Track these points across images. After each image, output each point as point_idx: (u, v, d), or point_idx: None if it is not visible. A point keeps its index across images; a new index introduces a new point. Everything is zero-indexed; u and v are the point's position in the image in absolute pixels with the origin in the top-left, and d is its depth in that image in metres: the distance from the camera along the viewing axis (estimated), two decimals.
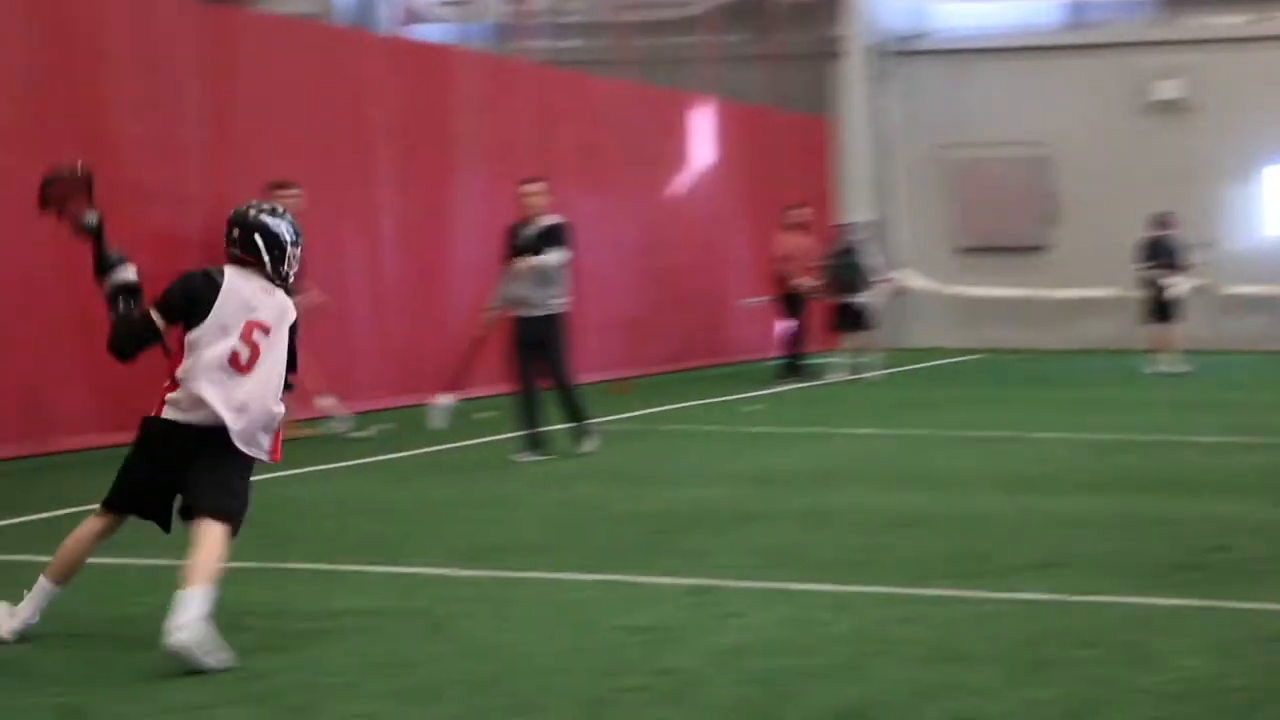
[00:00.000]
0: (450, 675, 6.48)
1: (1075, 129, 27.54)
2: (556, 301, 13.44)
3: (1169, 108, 27.18)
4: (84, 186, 7.20)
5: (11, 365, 13.17)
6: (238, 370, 6.95)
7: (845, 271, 21.74)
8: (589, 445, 13.76)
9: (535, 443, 13.41)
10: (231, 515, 6.95)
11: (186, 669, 6.42)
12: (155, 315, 7.02)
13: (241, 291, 7.04)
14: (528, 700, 6.15)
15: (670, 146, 23.49)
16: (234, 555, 8.87)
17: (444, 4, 28.28)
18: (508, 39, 25.87)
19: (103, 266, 7.11)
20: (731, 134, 24.98)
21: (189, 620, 6.47)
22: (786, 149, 26.56)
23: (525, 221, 13.48)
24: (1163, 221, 23.01)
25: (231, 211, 7.24)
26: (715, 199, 24.46)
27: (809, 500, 11.25)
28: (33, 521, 10.54)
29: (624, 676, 6.48)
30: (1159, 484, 11.89)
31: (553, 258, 13.33)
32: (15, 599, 7.09)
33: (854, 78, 28.29)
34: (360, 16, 26.60)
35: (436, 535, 9.79)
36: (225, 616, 6.76)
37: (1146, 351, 22.91)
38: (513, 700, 6.14)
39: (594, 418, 14.07)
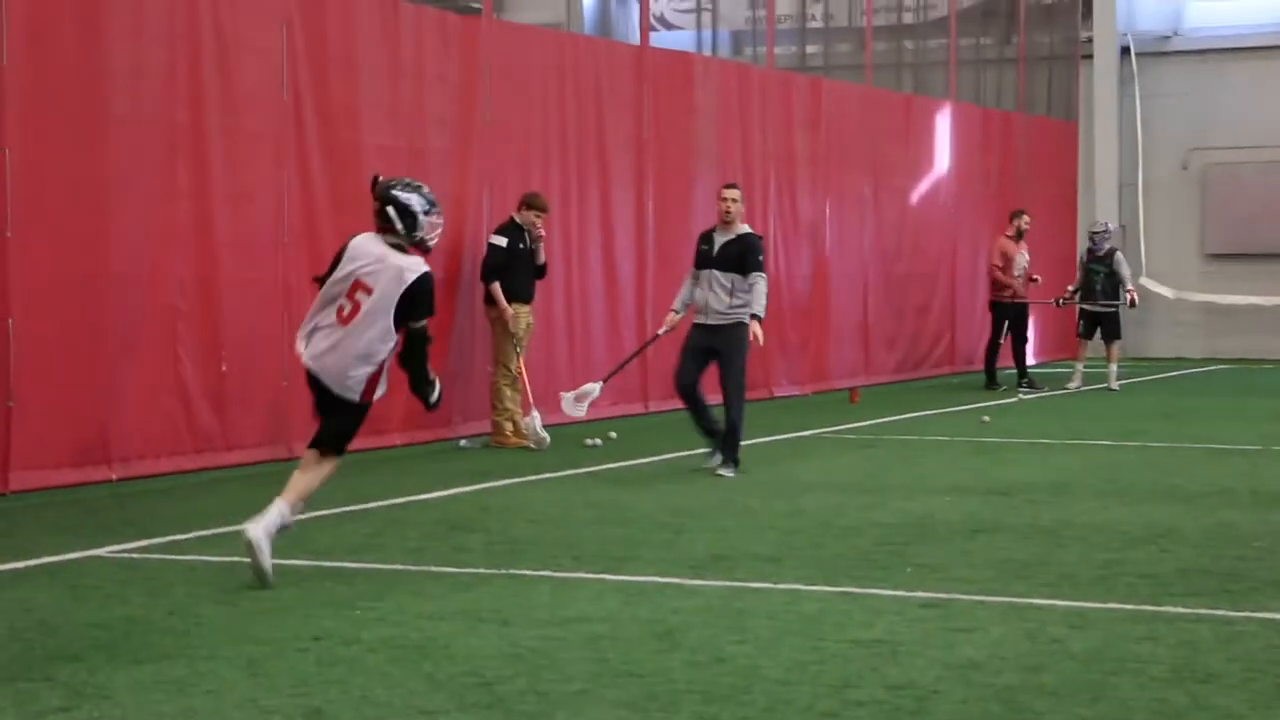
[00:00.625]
0: (681, 685, 6.47)
1: None
2: (742, 310, 13.07)
3: None
4: None
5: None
6: (339, 323, 8.26)
7: (1097, 279, 21.32)
8: (728, 471, 12.93)
9: (724, 448, 13.17)
10: (335, 449, 8.53)
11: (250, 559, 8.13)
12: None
13: (360, 251, 8.30)
14: (759, 713, 6.11)
15: (911, 151, 23.30)
16: (465, 561, 9.05)
17: (684, 11, 28.39)
18: (749, 45, 25.90)
19: None
20: (975, 138, 24.72)
21: (264, 521, 8.11)
22: (1033, 154, 26.20)
23: (720, 228, 13.21)
24: None
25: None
26: (957, 205, 24.20)
27: (1044, 513, 11.05)
28: None
29: (856, 690, 6.42)
30: None
31: (761, 284, 13.11)
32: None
33: (1103, 80, 27.80)
34: (601, 25, 26.83)
35: (666, 544, 9.79)
36: (460, 620, 6.80)
37: None
38: (744, 712, 6.11)
39: (743, 441, 13.32)
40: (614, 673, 6.67)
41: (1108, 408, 19.29)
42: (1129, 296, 21.27)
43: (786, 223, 20.48)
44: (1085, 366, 21.78)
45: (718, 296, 12.98)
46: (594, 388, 14.22)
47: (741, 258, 12.99)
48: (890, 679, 6.58)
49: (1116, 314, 21.44)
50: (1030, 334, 22.01)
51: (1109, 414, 18.47)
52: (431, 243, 8.47)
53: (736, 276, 12.97)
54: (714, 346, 13.03)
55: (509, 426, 14.83)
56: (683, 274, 13.68)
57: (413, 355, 8.53)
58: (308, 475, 8.53)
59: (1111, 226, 22.71)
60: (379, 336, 8.32)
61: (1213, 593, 8.32)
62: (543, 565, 9.08)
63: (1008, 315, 21.78)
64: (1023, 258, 21.50)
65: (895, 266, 22.65)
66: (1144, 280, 27.68)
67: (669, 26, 27.62)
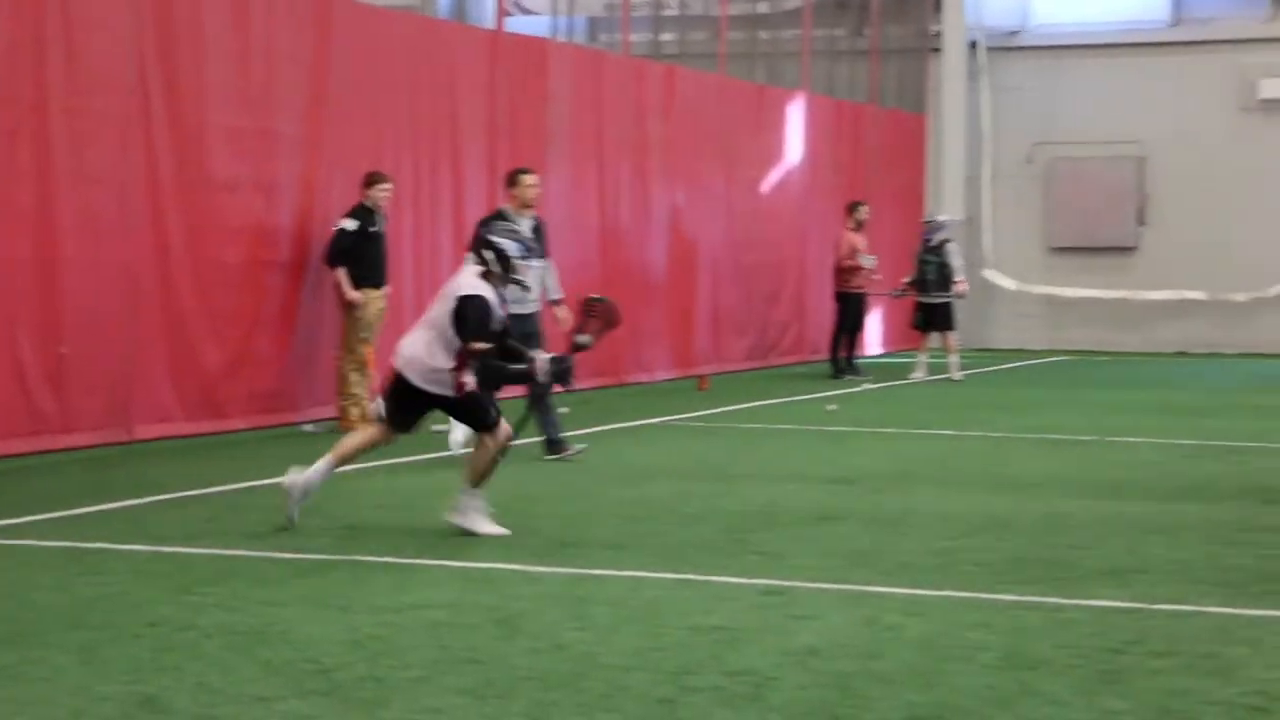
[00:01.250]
0: (520, 672, 6.49)
1: (1173, 128, 27.29)
2: (534, 301, 13.03)
3: (1273, 107, 26.85)
4: (612, 321, 10.35)
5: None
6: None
7: (930, 270, 21.65)
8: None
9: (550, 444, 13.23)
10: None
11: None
12: None
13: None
14: (597, 699, 6.15)
15: (763, 141, 23.45)
16: (307, 546, 9.01)
17: None
18: (605, 32, 25.91)
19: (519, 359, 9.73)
20: (825, 129, 24.92)
21: (305, 472, 9.38)
22: (880, 145, 26.48)
23: (520, 213, 13.09)
24: None
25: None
26: (806, 195, 24.40)
27: (886, 502, 11.21)
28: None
29: (694, 676, 6.47)
30: (1244, 492, 11.74)
31: (550, 268, 13.24)
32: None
33: (951, 74, 28.15)
34: (456, 9, 26.70)
35: (512, 530, 9.80)
36: (299, 607, 6.76)
37: None
38: (582, 699, 6.15)
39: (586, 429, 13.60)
40: (453, 659, 6.67)
41: (950, 398, 19.58)
42: (958, 287, 21.62)
43: (639, 210, 20.55)
44: (929, 357, 22.07)
45: (533, 284, 13.09)
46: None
47: (543, 243, 13.11)
48: (729, 665, 6.65)
49: (949, 305, 21.74)
50: (868, 325, 22.29)
51: (951, 404, 18.74)
52: (528, 281, 10.04)
53: (543, 262, 13.08)
54: (530, 333, 13.10)
55: (356, 412, 14.74)
56: None
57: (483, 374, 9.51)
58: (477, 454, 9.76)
59: (945, 218, 23.03)
60: (432, 337, 9.51)
61: (1044, 580, 8.49)
62: (385, 551, 9.05)
63: (853, 305, 22.09)
64: (861, 248, 21.86)
65: (746, 255, 22.80)
66: (987, 272, 28.13)
67: (525, 12, 27.52)
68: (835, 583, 8.39)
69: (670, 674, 6.51)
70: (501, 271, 9.56)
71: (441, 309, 9.52)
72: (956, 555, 9.21)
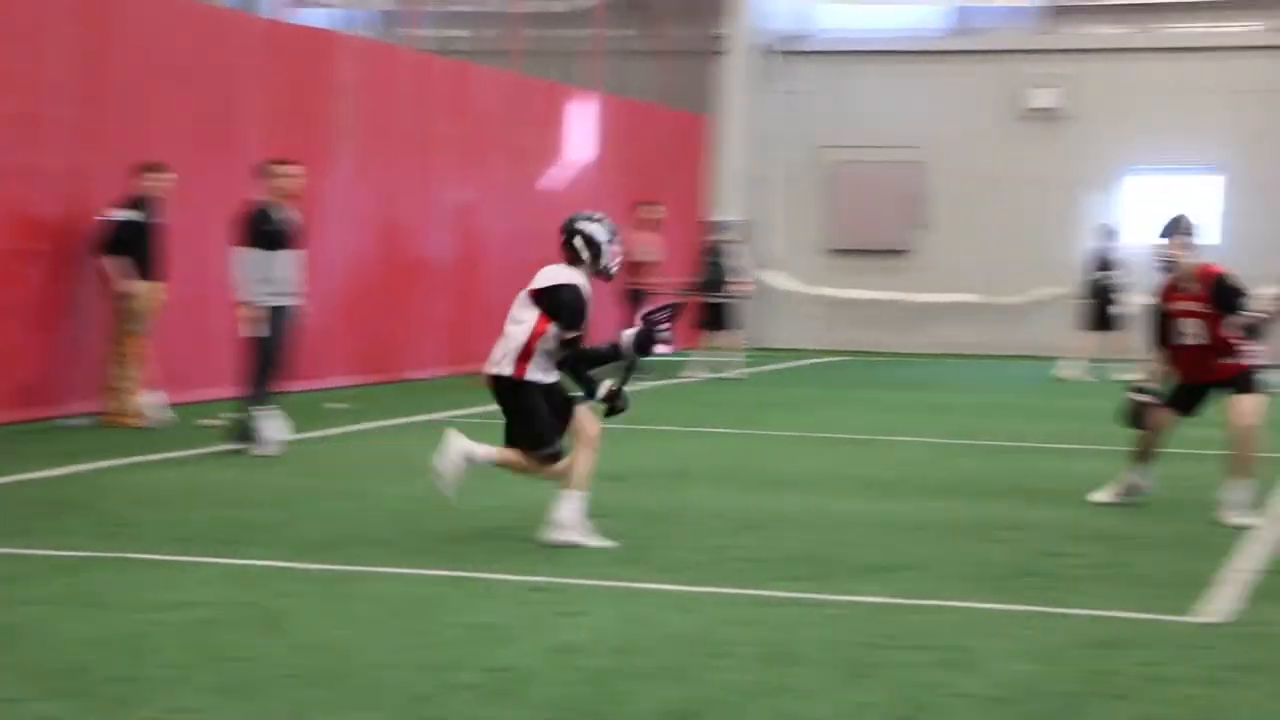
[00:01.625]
0: (278, 670, 6.45)
1: (951, 134, 27.90)
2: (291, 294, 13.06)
3: (1044, 116, 27.58)
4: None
5: None
6: None
7: (711, 270, 21.90)
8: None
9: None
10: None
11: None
12: None
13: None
14: (353, 696, 6.13)
15: (551, 139, 23.50)
16: (70, 543, 8.84)
17: None
18: (393, 26, 25.76)
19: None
20: (613, 129, 25.03)
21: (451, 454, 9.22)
22: (666, 146, 26.67)
23: (278, 206, 13.07)
24: (1108, 232, 23.34)
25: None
26: (593, 193, 24.46)
27: (660, 499, 11.31)
28: None
29: (455, 673, 6.49)
30: (1003, 490, 12.05)
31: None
32: None
33: (736, 76, 28.46)
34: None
35: (277, 527, 9.72)
36: (58, 605, 6.64)
37: (1068, 360, 23.13)
38: (338, 696, 6.13)
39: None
40: (213, 658, 6.61)
41: (729, 396, 19.79)
42: (741, 288, 21.91)
43: (424, 206, 20.47)
44: (710, 356, 22.29)
45: (295, 275, 13.05)
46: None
47: (296, 236, 13.09)
48: (490, 662, 6.67)
49: (733, 306, 22.02)
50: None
51: (730, 402, 18.95)
52: (614, 270, 9.52)
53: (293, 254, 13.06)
54: (284, 325, 13.06)
55: (125, 405, 14.47)
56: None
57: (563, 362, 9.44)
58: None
59: (729, 219, 23.29)
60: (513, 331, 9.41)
61: (810, 577, 8.64)
62: (150, 548, 8.93)
63: (644, 304, 22.22)
64: (648, 248, 22.02)
65: (534, 253, 22.72)
66: (769, 273, 28.48)
67: (317, 4, 27.26)
68: (604, 580, 8.45)
69: (430, 671, 6.52)
70: (591, 260, 9.42)
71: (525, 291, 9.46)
72: (726, 552, 9.33)
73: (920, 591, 8.29)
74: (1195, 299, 10.61)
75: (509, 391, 9.47)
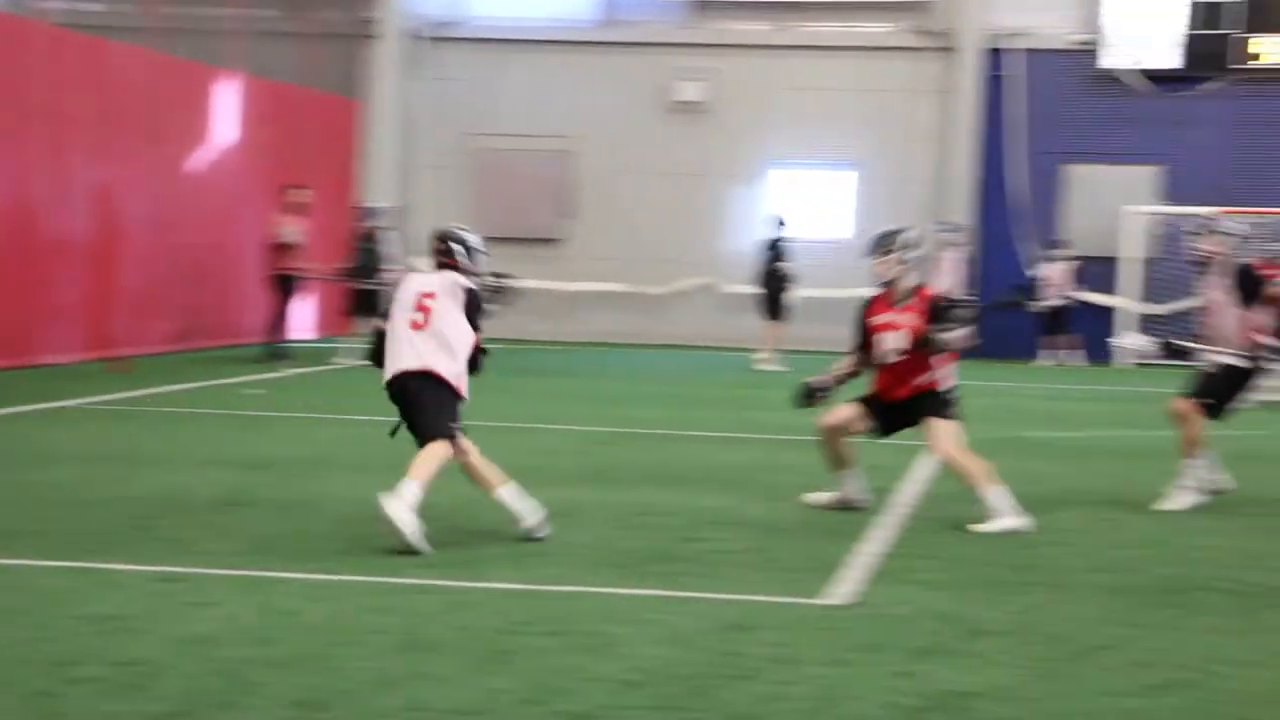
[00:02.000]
0: None
1: (599, 125, 28.20)
2: None
3: (690, 109, 28.05)
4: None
5: None
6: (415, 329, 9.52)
7: (362, 257, 21.74)
8: None
9: None
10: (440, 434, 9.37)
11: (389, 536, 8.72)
12: None
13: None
14: None
15: (191, 120, 22.98)
16: None
17: None
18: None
19: None
20: (257, 111, 24.60)
21: (400, 501, 8.84)
22: (314, 130, 26.33)
23: None
24: (780, 222, 23.78)
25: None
26: (236, 176, 24.04)
27: (300, 487, 11.18)
28: None
29: (79, 667, 6.31)
30: (646, 477, 12.23)
31: None
32: None
33: (386, 61, 28.28)
34: None
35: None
36: None
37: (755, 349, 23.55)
38: None
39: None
40: None
41: (372, 384, 19.31)
42: (393, 275, 21.78)
43: (58, 186, 19.81)
44: (360, 343, 22.06)
45: None
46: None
47: None
48: (116, 655, 6.50)
49: (383, 292, 21.87)
50: (287, 309, 22.17)
51: (373, 390, 18.45)
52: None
53: None
54: None
55: None
56: None
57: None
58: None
59: (379, 206, 23.15)
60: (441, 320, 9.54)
61: (446, 564, 8.63)
62: None
63: (291, 288, 21.96)
64: (295, 232, 21.77)
65: (173, 236, 22.31)
66: (421, 260, 28.35)
67: None
68: (237, 569, 8.32)
69: (53, 665, 6.32)
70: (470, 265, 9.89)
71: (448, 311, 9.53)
72: (364, 540, 9.25)
73: (558, 578, 8.35)
74: (902, 312, 10.51)
75: (431, 386, 9.57)
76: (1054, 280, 26.24)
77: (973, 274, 25.78)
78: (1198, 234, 11.54)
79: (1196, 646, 7.35)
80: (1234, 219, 11.56)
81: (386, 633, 7.07)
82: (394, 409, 9.77)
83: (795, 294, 23.69)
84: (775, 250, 23.60)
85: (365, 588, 8.03)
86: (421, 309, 9.57)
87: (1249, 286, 11.27)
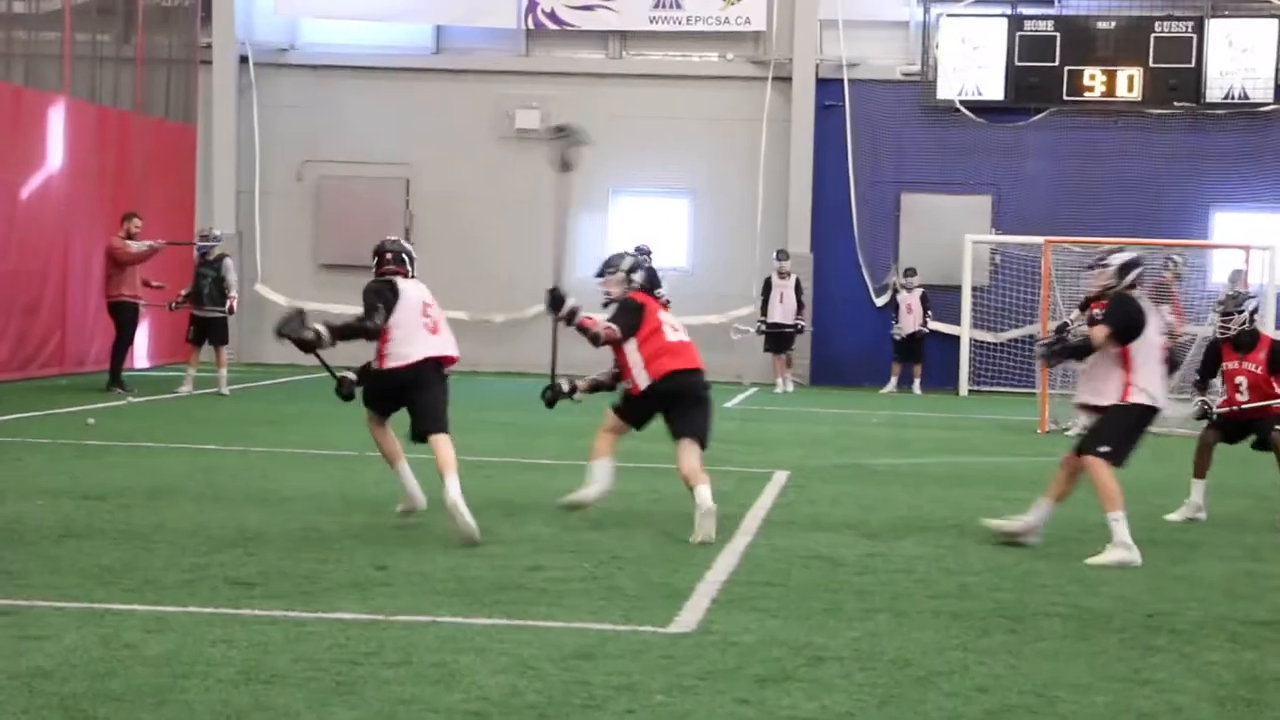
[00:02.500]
0: None
1: (438, 152, 28.16)
2: None
3: (528, 136, 28.07)
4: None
5: None
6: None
7: (204, 284, 21.48)
8: None
9: None
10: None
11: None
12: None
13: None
14: None
15: (21, 146, 22.53)
16: None
17: None
18: None
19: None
20: (90, 136, 24.19)
21: (456, 493, 10.37)
22: (150, 156, 25.94)
23: None
24: (643, 251, 24.13)
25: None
26: (71, 203, 23.63)
27: (138, 517, 11.02)
28: None
29: None
30: (489, 504, 12.17)
31: None
32: None
33: (221, 87, 28.01)
34: None
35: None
36: None
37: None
38: None
39: None
40: None
41: (216, 412, 19.42)
42: (230, 303, 21.61)
43: None
44: (198, 371, 21.83)
45: None
46: None
47: None
48: None
49: (224, 320, 21.69)
50: (128, 337, 21.86)
51: (217, 419, 18.60)
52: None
53: None
54: None
55: None
56: None
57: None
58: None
59: (219, 232, 22.89)
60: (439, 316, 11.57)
61: (290, 595, 8.56)
62: None
63: (131, 316, 21.63)
64: (133, 258, 21.48)
65: (6, 263, 21.87)
66: (259, 287, 28.15)
67: None
68: (76, 601, 8.19)
69: None
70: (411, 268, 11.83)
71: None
72: (205, 571, 9.16)
73: (402, 607, 8.31)
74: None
75: (442, 379, 11.28)
76: (913, 308, 26.55)
77: (799, 300, 25.93)
78: (1091, 269, 11.32)
79: (1035, 671, 7.49)
80: (1124, 251, 11.33)
81: (229, 665, 6.99)
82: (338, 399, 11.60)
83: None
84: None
85: (207, 619, 7.94)
86: (427, 315, 11.33)
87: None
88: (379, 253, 11.69)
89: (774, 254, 26.07)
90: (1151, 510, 12.93)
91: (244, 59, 28.18)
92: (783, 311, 25.76)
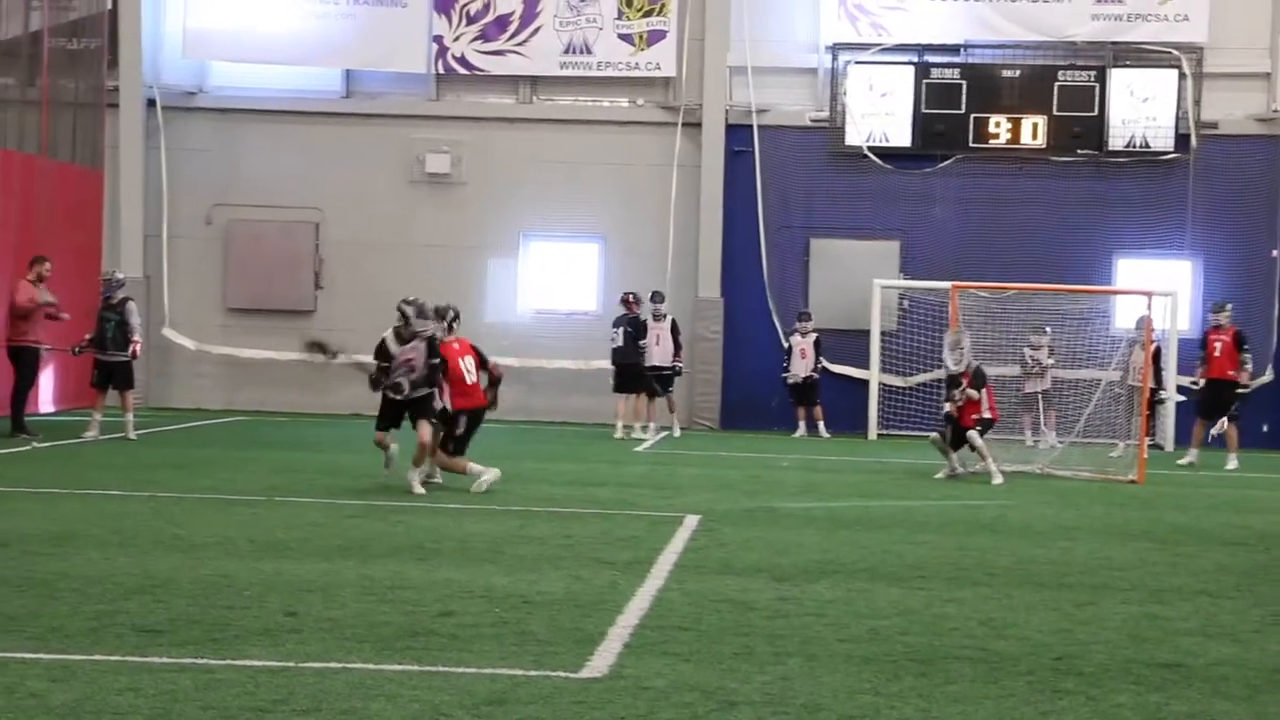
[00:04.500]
0: None
1: (348, 196, 28.11)
2: None
3: (438, 181, 28.08)
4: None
5: None
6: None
7: (109, 328, 21.30)
8: None
9: None
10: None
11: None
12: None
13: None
14: None
15: None
16: None
17: None
18: None
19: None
20: None
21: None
22: (56, 199, 25.69)
23: None
24: (629, 300, 25.19)
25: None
26: None
27: (42, 564, 10.88)
28: None
29: None
30: (399, 549, 12.13)
31: None
32: None
33: (129, 130, 27.84)
34: None
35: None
36: None
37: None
38: None
39: None
40: None
41: (122, 457, 19.22)
42: (133, 347, 21.44)
43: None
44: (103, 415, 21.62)
45: None
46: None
47: None
48: None
49: (128, 364, 21.53)
50: (28, 381, 21.63)
51: (122, 464, 18.41)
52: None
53: None
54: None
55: None
56: None
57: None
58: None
59: (123, 276, 22.65)
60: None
61: (199, 641, 8.48)
62: None
63: (32, 360, 21.42)
64: (37, 302, 21.29)
65: None
66: (166, 331, 27.94)
67: None
68: None
69: None
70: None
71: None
72: (112, 618, 9.06)
73: (311, 654, 8.26)
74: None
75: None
76: (806, 352, 26.65)
77: (676, 342, 25.85)
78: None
79: (944, 715, 7.53)
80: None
81: (136, 713, 6.93)
82: None
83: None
84: (633, 327, 25.03)
85: (114, 667, 7.86)
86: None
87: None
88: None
89: (650, 295, 25.91)
90: (1061, 554, 13.06)
91: (152, 102, 28.02)
92: (660, 354, 25.56)
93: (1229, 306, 23.21)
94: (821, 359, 26.70)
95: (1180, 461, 22.79)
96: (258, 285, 28.07)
